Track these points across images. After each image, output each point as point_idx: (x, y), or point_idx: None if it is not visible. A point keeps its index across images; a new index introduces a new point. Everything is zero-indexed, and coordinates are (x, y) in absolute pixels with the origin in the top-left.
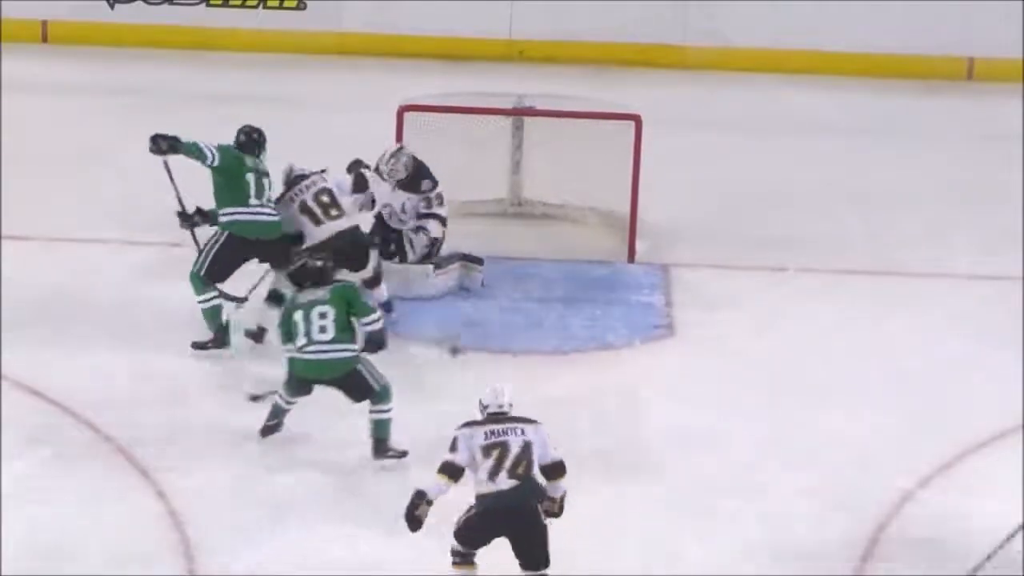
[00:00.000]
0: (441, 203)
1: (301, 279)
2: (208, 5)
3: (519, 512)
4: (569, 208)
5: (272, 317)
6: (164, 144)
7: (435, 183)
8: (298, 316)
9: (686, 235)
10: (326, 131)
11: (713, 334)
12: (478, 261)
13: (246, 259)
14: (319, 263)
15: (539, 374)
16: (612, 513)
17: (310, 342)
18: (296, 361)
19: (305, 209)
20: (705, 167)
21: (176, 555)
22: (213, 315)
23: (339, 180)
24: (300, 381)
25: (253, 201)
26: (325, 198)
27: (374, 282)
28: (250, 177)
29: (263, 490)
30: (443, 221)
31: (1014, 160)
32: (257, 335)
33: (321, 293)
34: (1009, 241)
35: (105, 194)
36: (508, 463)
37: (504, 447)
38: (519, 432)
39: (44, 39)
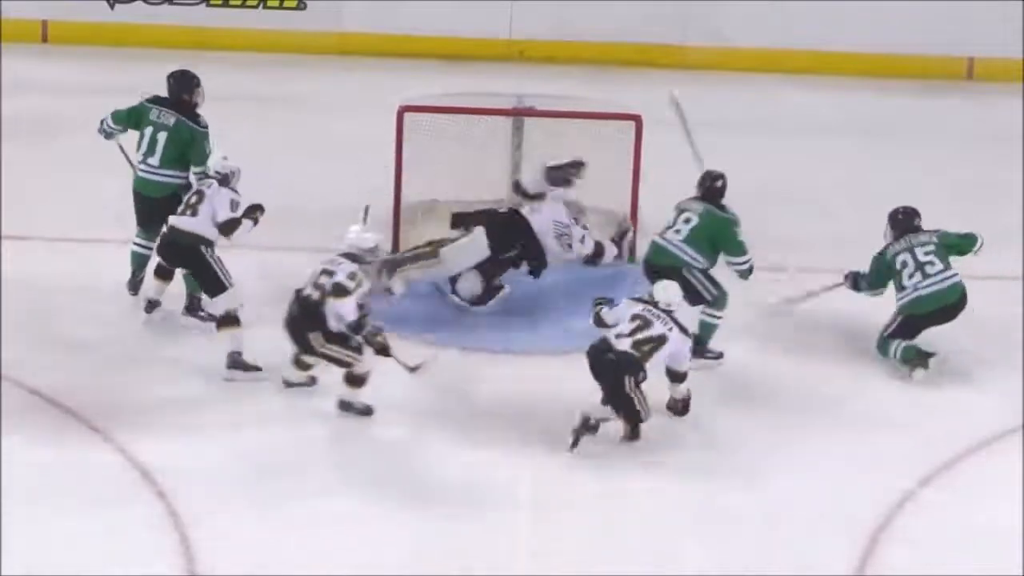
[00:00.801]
0: None
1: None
2: (208, 5)
3: (608, 368)
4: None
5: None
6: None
7: None
8: (672, 214)
9: None
10: (326, 131)
11: (712, 334)
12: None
13: (147, 211)
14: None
15: (539, 374)
16: (611, 512)
17: (662, 235)
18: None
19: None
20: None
21: (176, 555)
22: (134, 259)
23: (217, 195)
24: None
25: (138, 156)
26: (193, 198)
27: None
28: (147, 131)
29: (264, 490)
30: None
31: (1014, 160)
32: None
33: (697, 206)
34: (1009, 241)
35: (105, 194)
36: (638, 336)
37: (648, 325)
38: (669, 328)
39: (44, 39)
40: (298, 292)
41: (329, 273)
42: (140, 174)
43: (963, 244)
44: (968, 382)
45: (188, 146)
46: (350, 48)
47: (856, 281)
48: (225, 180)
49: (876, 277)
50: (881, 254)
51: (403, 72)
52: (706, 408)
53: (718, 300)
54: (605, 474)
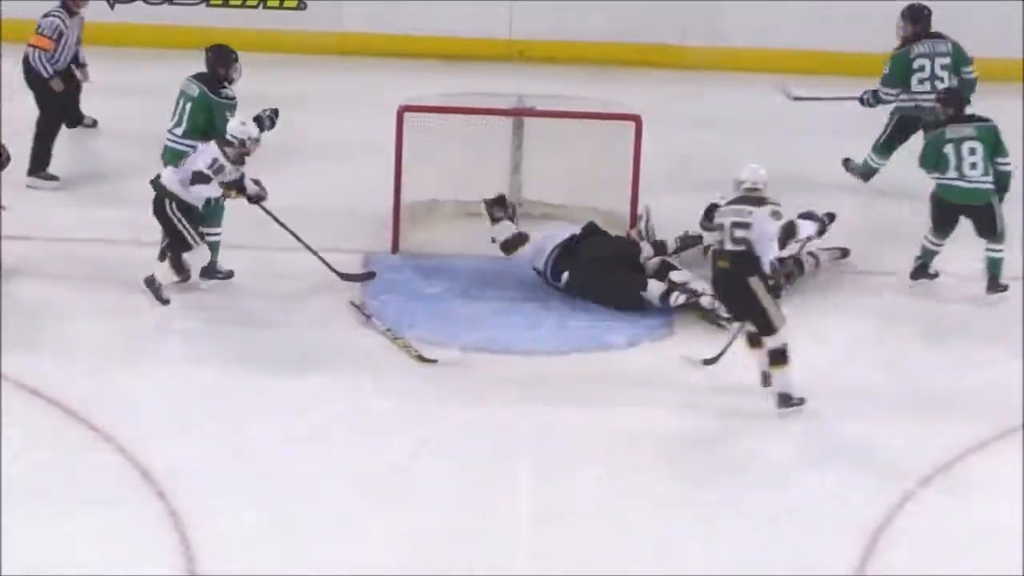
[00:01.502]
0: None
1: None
2: (208, 5)
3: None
4: (569, 208)
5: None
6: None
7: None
8: (948, 149)
9: None
10: (326, 131)
11: (713, 334)
12: None
13: None
14: None
15: (539, 374)
16: (612, 512)
17: (960, 176)
18: (944, 188)
19: None
20: (705, 167)
21: (176, 555)
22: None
23: (204, 152)
24: (944, 207)
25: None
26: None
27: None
28: (179, 102)
29: (265, 490)
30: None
31: (1014, 160)
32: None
33: (968, 130)
34: (1009, 241)
35: (106, 194)
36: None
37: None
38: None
39: None
40: (715, 259)
41: (743, 225)
42: (166, 143)
43: (964, 62)
44: (968, 382)
45: (210, 117)
46: (350, 48)
47: (869, 98)
48: (241, 145)
49: (895, 75)
50: (904, 52)
51: (403, 72)
52: (704, 408)
53: (1002, 233)
54: (605, 474)
